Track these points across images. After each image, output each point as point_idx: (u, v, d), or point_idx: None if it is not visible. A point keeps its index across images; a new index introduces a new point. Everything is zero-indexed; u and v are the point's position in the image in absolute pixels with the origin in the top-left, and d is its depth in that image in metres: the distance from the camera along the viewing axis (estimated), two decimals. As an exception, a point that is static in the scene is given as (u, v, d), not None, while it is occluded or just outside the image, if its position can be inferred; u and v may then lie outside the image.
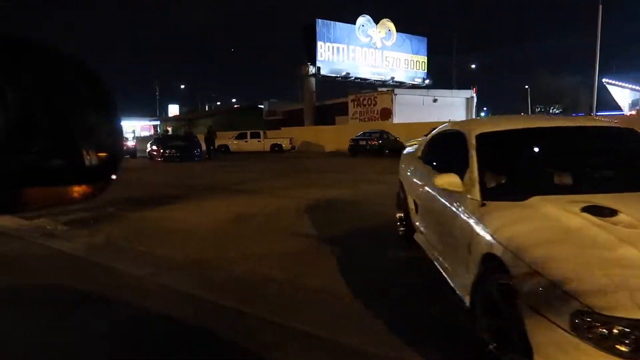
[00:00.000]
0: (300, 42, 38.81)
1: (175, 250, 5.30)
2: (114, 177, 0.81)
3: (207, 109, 69.27)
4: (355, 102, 33.80)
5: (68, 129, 0.79)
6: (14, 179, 0.71)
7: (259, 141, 30.05)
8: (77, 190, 0.78)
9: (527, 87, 44.92)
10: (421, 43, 43.82)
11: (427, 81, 43.26)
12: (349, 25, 39.24)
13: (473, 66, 52.62)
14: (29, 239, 6.03)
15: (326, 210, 7.69)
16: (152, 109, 73.31)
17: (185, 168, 18.07)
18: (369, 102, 32.61)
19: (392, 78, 40.96)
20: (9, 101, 0.71)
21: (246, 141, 30.07)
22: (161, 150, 21.63)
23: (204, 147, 23.60)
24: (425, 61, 43.94)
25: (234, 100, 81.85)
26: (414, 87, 40.13)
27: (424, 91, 35.11)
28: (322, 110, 38.29)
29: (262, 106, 46.62)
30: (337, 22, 38.78)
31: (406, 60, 42.30)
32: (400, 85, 40.05)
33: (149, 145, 24.60)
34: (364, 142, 22.36)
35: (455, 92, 35.31)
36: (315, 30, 37.13)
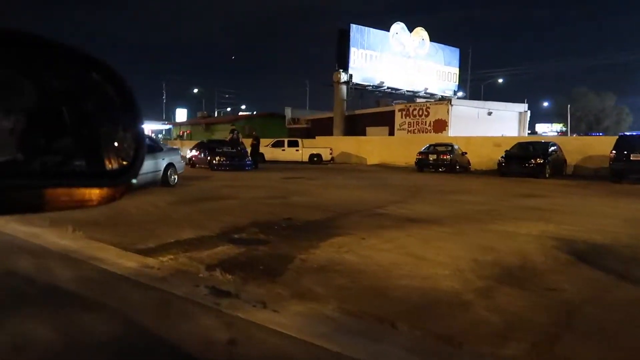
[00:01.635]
0: (311, 49, 36.94)
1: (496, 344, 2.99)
2: (134, 181, 0.79)
3: (215, 115, 66.81)
4: (404, 112, 31.32)
5: (91, 130, 0.79)
6: (37, 178, 0.71)
7: (297, 150, 27.78)
8: (99, 192, 0.76)
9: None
10: (453, 54, 42.03)
11: (459, 93, 41.44)
12: (383, 32, 37.27)
13: (500, 80, 50.85)
14: (205, 304, 3.70)
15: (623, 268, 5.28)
16: (155, 111, 71.07)
17: (252, 179, 15.50)
18: (420, 113, 30.18)
19: (426, 89, 39.00)
20: (34, 101, 0.72)
21: (283, 150, 27.80)
22: (208, 158, 19.11)
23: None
24: (457, 73, 42.16)
25: (243, 107, 79.69)
26: (442, 98, 38.01)
27: (479, 103, 32.89)
28: (351, 119, 35.98)
29: (286, 114, 44.13)
30: (371, 29, 36.81)
31: (438, 71, 40.33)
32: (432, 96, 38.11)
33: (189, 151, 22.14)
34: (434, 156, 19.99)
35: (509, 105, 33.21)
36: (349, 35, 35.06)
